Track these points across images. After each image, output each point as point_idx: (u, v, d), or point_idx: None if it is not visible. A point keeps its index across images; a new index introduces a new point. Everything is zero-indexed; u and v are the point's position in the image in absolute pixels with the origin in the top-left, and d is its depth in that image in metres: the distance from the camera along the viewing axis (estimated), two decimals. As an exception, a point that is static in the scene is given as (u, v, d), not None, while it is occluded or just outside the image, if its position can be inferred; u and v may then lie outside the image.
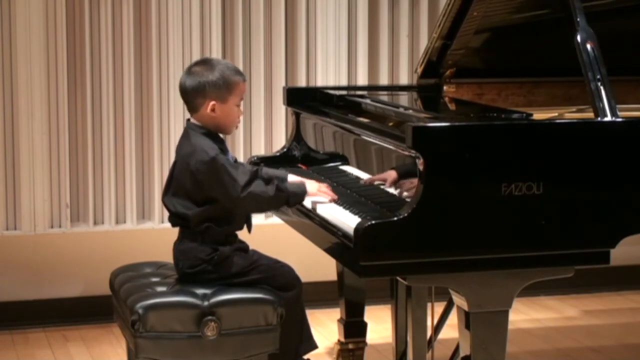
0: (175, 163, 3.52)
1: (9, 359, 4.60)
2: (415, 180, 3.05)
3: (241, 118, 3.59)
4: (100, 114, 4.90)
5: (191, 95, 3.48)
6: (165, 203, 3.53)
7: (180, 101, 4.88)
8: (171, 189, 3.50)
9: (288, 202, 3.45)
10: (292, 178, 3.65)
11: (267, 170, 3.70)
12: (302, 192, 3.46)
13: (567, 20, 3.38)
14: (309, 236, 3.56)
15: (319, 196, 3.47)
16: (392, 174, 3.38)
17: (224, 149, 3.48)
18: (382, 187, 3.42)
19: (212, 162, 3.37)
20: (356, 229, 2.99)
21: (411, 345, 3.87)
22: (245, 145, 5.08)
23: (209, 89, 3.44)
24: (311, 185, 3.50)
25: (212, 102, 3.45)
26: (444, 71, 4.14)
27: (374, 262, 3.00)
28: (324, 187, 3.51)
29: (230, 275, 3.46)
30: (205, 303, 3.35)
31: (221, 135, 3.54)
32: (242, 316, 3.37)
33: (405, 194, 3.21)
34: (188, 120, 3.54)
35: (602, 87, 3.26)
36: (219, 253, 3.45)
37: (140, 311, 3.30)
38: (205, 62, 3.50)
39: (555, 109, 3.79)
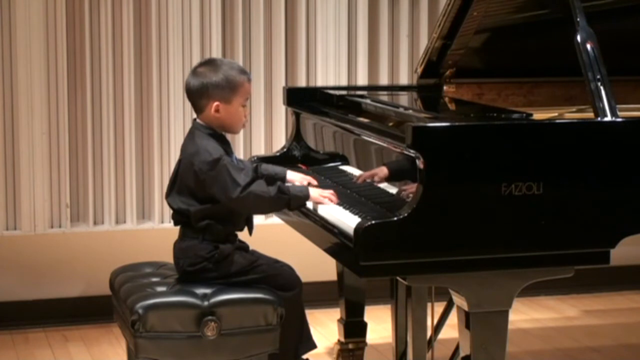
0: (179, 161, 3.52)
1: (9, 359, 4.60)
2: (414, 180, 3.05)
3: (248, 118, 3.58)
4: (100, 114, 4.90)
5: (195, 96, 3.48)
6: (168, 202, 3.53)
7: (181, 101, 4.94)
8: (175, 188, 3.51)
9: (289, 204, 3.45)
10: (291, 176, 3.66)
11: (266, 167, 3.70)
12: (304, 196, 3.45)
13: (567, 20, 3.38)
14: (309, 236, 3.56)
15: (320, 200, 3.46)
16: (383, 170, 3.38)
17: (228, 151, 3.48)
18: (376, 184, 3.42)
19: (214, 162, 3.38)
20: (356, 229, 2.99)
21: (411, 345, 3.87)
22: (245, 145, 5.08)
23: (212, 89, 3.44)
24: (314, 190, 3.49)
25: (216, 103, 3.45)
26: (444, 71, 4.14)
27: (374, 262, 3.00)
28: (327, 192, 3.49)
29: (230, 274, 3.46)
30: (205, 303, 3.35)
31: (227, 137, 3.54)
32: (242, 316, 3.37)
33: (405, 194, 3.21)
34: (194, 119, 3.53)
35: (602, 87, 3.26)
36: (219, 251, 3.45)
37: (140, 311, 3.30)
38: (210, 63, 3.49)
39: (555, 109, 3.79)
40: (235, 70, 3.49)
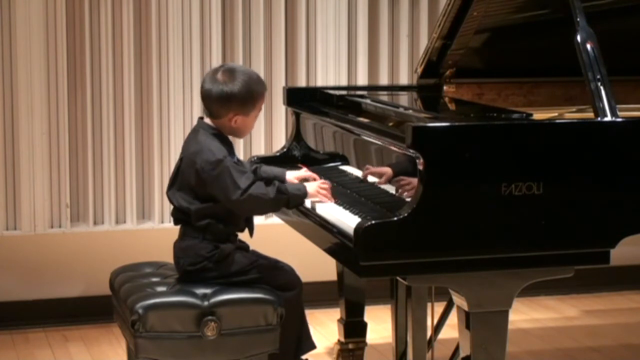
0: (181, 159, 3.52)
1: (9, 359, 4.61)
2: (414, 180, 3.05)
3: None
4: (100, 114, 4.90)
5: (215, 104, 3.46)
6: (169, 197, 3.53)
7: (181, 101, 4.94)
8: (176, 184, 3.51)
9: (288, 204, 3.46)
10: (290, 176, 3.66)
11: (265, 169, 3.71)
12: (302, 194, 3.47)
13: (567, 20, 3.38)
14: (309, 236, 3.56)
15: (318, 197, 3.48)
16: (388, 171, 3.38)
17: (231, 152, 3.48)
18: (379, 185, 3.42)
19: (217, 163, 3.38)
20: (356, 229, 2.98)
21: (411, 345, 3.87)
22: (245, 145, 5.08)
23: (235, 102, 3.43)
24: (310, 185, 3.50)
25: (237, 116, 3.45)
26: (444, 71, 4.14)
27: (374, 262, 3.00)
28: (323, 185, 3.51)
29: (230, 274, 3.46)
30: (205, 303, 3.36)
31: (230, 138, 3.54)
32: (242, 316, 3.37)
33: (405, 194, 3.21)
34: (201, 118, 3.53)
35: (602, 87, 3.26)
36: (219, 250, 3.45)
37: (140, 311, 3.30)
38: (230, 72, 3.46)
39: (555, 109, 3.79)
40: (256, 81, 3.48)
